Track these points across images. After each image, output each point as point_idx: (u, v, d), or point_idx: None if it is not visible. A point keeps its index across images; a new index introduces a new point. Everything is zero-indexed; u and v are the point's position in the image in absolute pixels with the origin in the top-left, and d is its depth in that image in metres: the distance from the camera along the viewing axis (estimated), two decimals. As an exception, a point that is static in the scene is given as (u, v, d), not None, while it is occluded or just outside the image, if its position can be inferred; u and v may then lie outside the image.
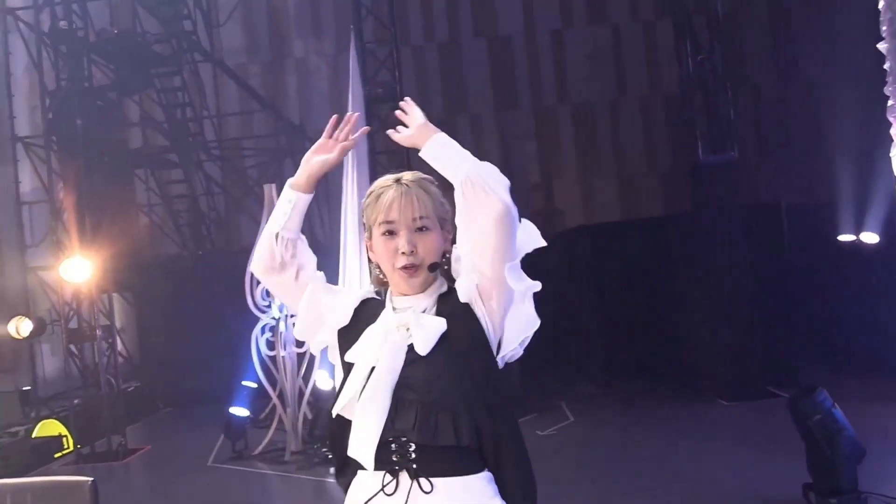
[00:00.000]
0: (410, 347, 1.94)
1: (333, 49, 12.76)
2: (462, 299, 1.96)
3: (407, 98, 2.05)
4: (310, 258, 2.17)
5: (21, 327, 9.50)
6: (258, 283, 8.40)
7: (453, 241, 2.04)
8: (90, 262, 9.22)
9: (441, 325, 1.94)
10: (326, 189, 12.64)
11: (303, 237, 2.17)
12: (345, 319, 2.07)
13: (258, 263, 2.15)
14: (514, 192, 1.91)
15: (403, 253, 1.95)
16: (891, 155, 5.86)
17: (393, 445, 1.89)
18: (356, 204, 8.06)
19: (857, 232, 9.48)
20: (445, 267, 2.05)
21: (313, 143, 9.12)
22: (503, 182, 1.88)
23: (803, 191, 11.67)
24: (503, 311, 1.94)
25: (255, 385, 8.78)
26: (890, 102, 5.72)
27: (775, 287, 9.41)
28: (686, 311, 10.01)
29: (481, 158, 1.91)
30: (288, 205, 2.12)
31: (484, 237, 1.87)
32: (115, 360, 9.96)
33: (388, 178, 2.04)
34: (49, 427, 9.35)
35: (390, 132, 2.04)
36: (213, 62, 12.88)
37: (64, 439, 9.22)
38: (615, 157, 12.77)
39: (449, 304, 1.99)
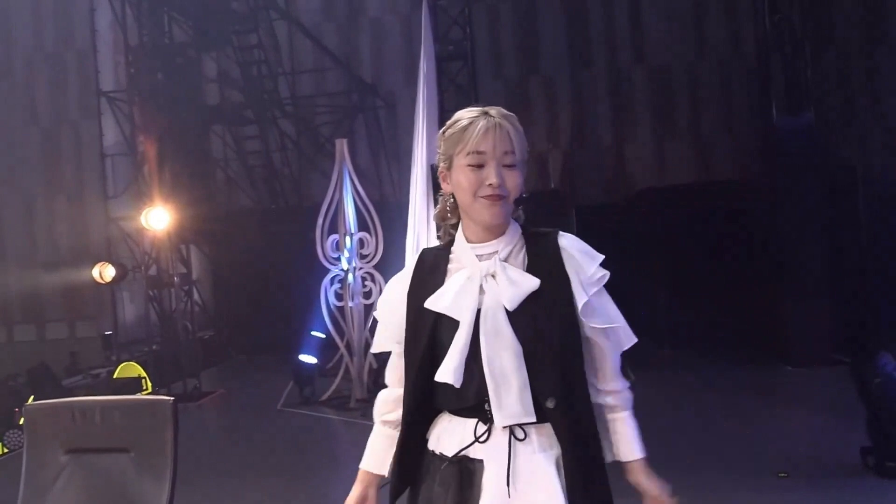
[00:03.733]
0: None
1: (407, 8, 12.80)
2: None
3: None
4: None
5: (105, 273, 9.96)
6: (328, 235, 8.64)
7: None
8: (169, 213, 9.59)
9: (532, 283, 1.92)
10: (396, 149, 12.87)
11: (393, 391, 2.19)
12: (403, 294, 2.07)
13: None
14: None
15: (491, 185, 1.90)
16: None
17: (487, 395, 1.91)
18: (425, 162, 8.18)
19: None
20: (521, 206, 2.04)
21: (384, 101, 9.30)
22: None
23: (883, 155, 11.32)
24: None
25: (323, 335, 9.05)
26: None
27: (849, 252, 9.23)
28: (757, 275, 9.90)
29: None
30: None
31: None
32: (191, 307, 10.37)
33: (473, 110, 1.98)
34: (129, 369, 9.82)
35: None
36: (288, 20, 13.07)
37: (143, 381, 9.67)
38: (690, 119, 12.57)
39: (540, 256, 1.99)
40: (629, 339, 2.07)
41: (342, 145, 8.78)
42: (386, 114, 12.91)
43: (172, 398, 2.52)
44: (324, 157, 12.51)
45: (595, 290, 1.96)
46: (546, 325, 1.90)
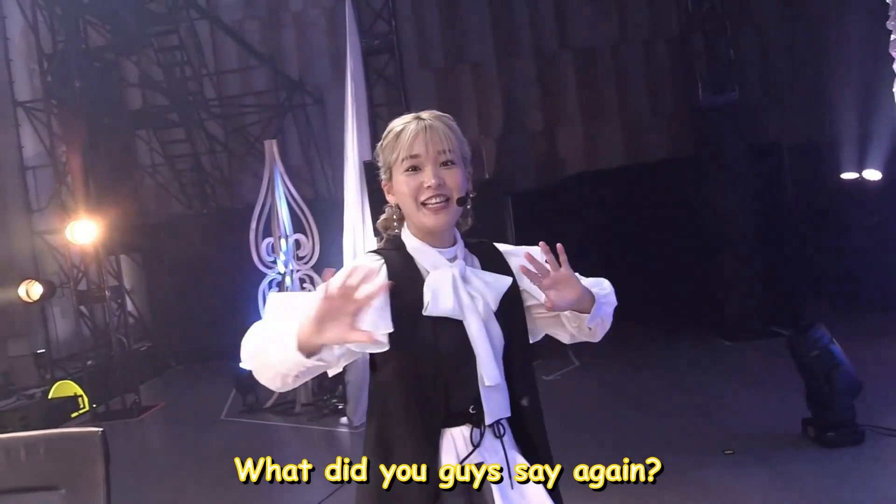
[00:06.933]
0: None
1: (330, 1, 12.64)
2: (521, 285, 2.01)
3: (558, 245, 1.95)
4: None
5: (31, 291, 9.61)
6: (263, 238, 8.48)
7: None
8: (96, 224, 9.30)
9: (505, 282, 1.97)
10: (328, 145, 12.70)
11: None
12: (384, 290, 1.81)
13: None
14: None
15: (430, 187, 1.89)
16: (894, 91, 5.83)
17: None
18: (357, 158, 8.09)
19: (859, 170, 9.45)
20: (468, 207, 2.00)
21: (313, 98, 9.11)
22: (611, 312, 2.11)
23: (807, 129, 11.60)
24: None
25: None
26: (892, 37, 5.66)
27: (778, 226, 9.43)
28: (689, 253, 10.05)
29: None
30: (301, 367, 1.76)
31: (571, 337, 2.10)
32: (125, 319, 10.09)
33: (406, 117, 1.97)
34: (64, 388, 9.52)
35: (545, 301, 1.94)
36: (209, 19, 12.77)
37: (79, 399, 9.39)
38: (618, 101, 12.68)
39: (489, 260, 2.02)
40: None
41: (271, 146, 8.63)
42: (315, 110, 12.72)
43: (101, 429, 2.41)
44: (254, 158, 12.27)
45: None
46: (518, 325, 1.98)
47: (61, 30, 10.14)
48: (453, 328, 1.89)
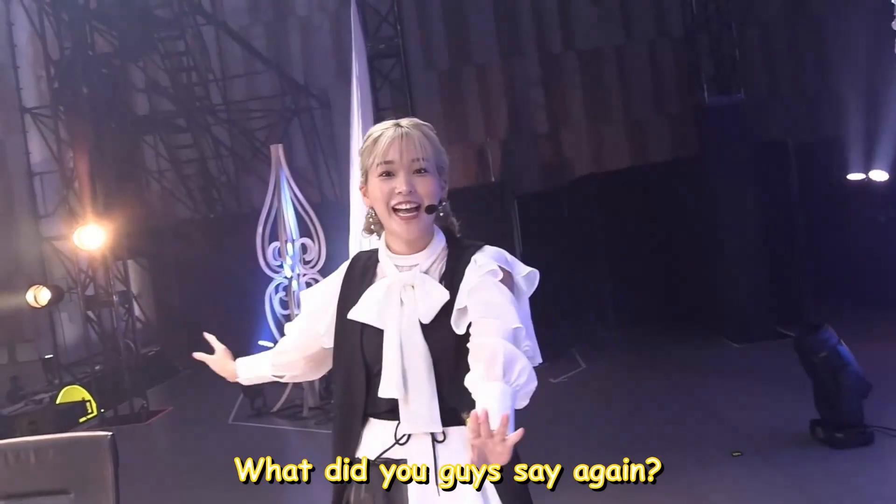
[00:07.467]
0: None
1: (335, 5, 12.65)
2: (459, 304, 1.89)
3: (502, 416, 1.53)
4: (293, 344, 2.34)
5: (39, 296, 9.65)
6: (270, 242, 8.50)
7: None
8: (103, 229, 9.33)
9: (443, 295, 1.92)
10: (334, 149, 12.72)
11: (275, 353, 2.46)
12: (335, 294, 2.09)
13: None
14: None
15: (400, 192, 1.92)
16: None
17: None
18: (363, 163, 8.09)
19: (866, 170, 9.43)
20: (441, 214, 2.01)
21: (318, 102, 9.29)
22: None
23: (812, 129, 11.59)
24: None
25: (271, 344, 8.87)
26: (897, 38, 5.65)
27: (784, 227, 9.41)
28: (695, 254, 10.04)
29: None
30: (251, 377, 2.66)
31: None
32: (132, 324, 10.12)
33: (386, 123, 2.02)
34: (73, 393, 9.55)
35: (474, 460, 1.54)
36: (215, 24, 12.81)
37: (88, 404, 9.42)
38: (623, 102, 12.67)
39: (455, 269, 1.95)
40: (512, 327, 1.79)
41: (277, 151, 8.65)
42: (321, 114, 12.75)
43: (110, 434, 2.42)
44: (260, 162, 12.30)
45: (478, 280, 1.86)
46: (459, 339, 1.88)
47: (68, 36, 10.17)
48: (376, 335, 1.96)
